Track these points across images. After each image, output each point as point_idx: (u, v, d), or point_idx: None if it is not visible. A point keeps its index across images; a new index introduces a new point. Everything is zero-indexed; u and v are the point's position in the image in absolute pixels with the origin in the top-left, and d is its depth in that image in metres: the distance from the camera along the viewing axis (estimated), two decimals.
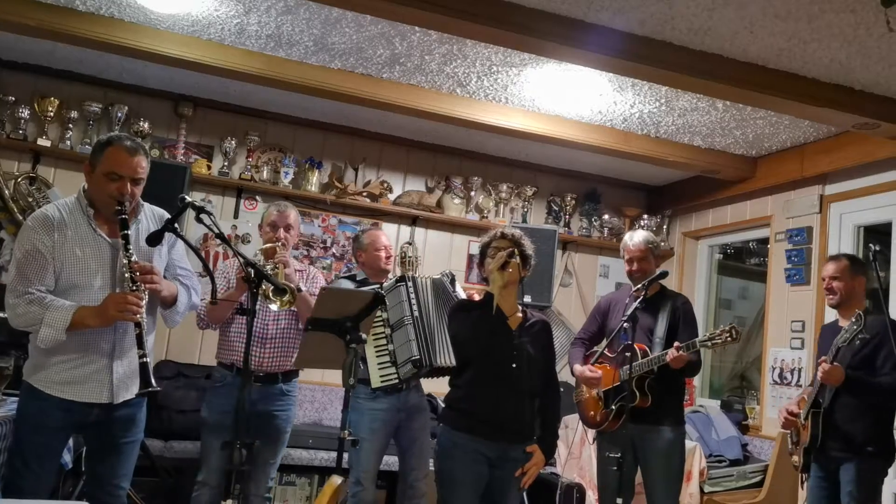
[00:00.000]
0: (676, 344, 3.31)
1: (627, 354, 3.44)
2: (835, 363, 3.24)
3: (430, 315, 3.41)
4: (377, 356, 3.55)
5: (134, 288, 2.51)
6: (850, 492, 3.22)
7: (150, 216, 2.79)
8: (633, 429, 3.37)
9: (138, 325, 2.48)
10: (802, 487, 3.55)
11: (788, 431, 3.57)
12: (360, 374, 3.74)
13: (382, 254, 3.87)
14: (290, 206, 3.68)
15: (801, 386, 4.60)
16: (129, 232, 2.56)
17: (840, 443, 3.29)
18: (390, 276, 3.94)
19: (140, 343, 2.47)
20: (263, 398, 3.43)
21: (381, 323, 3.53)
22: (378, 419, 3.67)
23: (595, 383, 3.59)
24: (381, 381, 3.50)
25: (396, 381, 3.47)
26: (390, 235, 5.46)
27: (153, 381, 2.47)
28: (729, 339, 3.19)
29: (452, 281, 3.64)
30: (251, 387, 3.38)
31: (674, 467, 3.48)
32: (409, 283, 3.48)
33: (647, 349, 3.45)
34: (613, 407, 3.48)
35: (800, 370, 4.64)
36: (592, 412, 3.62)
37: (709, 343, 3.24)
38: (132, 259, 2.53)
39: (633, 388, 3.38)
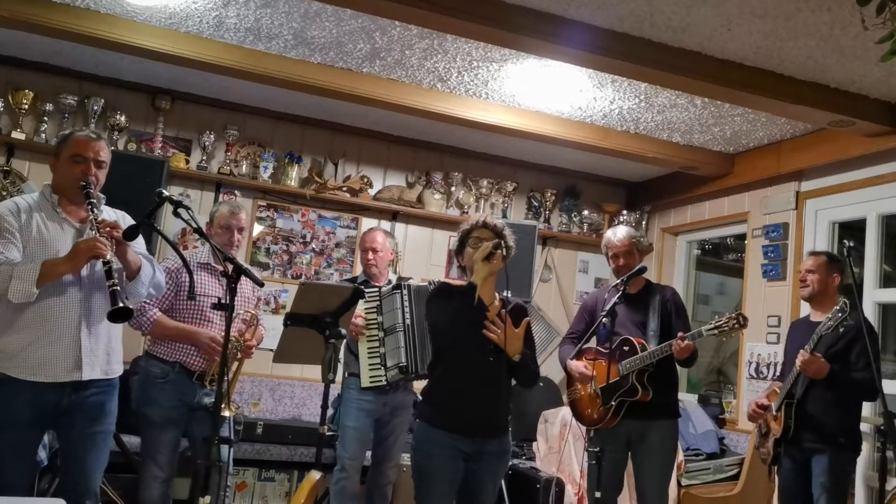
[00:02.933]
0: (680, 334, 3.29)
1: (625, 349, 3.42)
2: (815, 353, 3.28)
3: (421, 323, 3.48)
4: (369, 357, 3.80)
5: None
6: (823, 483, 3.28)
7: (112, 213, 2.85)
8: (628, 424, 3.39)
9: (107, 262, 2.54)
10: (771, 479, 3.62)
11: (757, 424, 3.62)
12: (353, 367, 3.93)
13: (368, 255, 4.01)
14: (241, 205, 3.72)
15: (776, 380, 4.66)
16: (95, 201, 2.66)
17: (813, 434, 3.34)
18: (389, 276, 4.03)
19: (109, 275, 2.52)
20: (206, 394, 3.42)
21: (376, 326, 3.79)
22: (364, 409, 3.85)
23: (589, 379, 3.55)
24: (371, 382, 3.78)
25: (384, 383, 3.75)
26: None
27: (124, 302, 2.52)
28: (736, 325, 3.19)
29: None
30: (197, 384, 3.41)
31: (668, 461, 3.48)
32: (405, 291, 3.74)
33: (645, 343, 3.44)
34: (613, 403, 3.41)
35: (776, 364, 4.70)
36: (589, 410, 3.55)
37: (716, 330, 3.22)
38: (98, 219, 2.61)
39: (633, 381, 3.36)
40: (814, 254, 3.68)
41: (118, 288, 2.51)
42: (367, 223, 5.49)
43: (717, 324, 3.23)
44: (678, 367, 3.58)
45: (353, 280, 4.11)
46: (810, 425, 3.35)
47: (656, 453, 3.43)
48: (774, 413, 3.46)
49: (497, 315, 2.89)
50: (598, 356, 3.55)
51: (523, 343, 2.94)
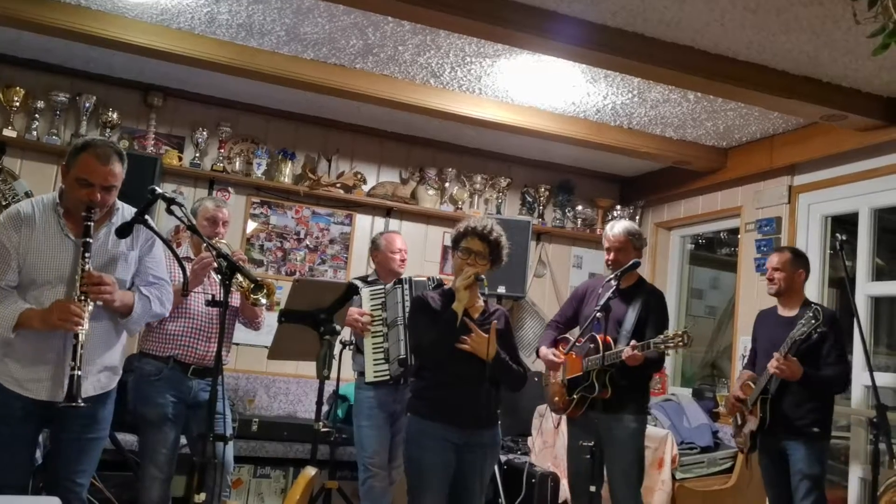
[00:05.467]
0: (633, 343, 3.35)
1: (591, 346, 3.49)
2: (790, 357, 3.36)
3: None
4: (374, 352, 3.82)
5: (82, 298, 2.51)
6: (801, 469, 3.42)
7: (129, 214, 2.77)
8: (597, 417, 3.43)
9: (76, 336, 2.46)
10: (748, 466, 3.79)
11: (733, 416, 3.75)
12: (360, 365, 3.94)
13: (398, 257, 4.05)
14: (223, 200, 3.70)
15: None
16: (91, 240, 2.57)
17: (787, 426, 3.48)
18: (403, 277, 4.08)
19: (74, 355, 2.45)
20: (202, 389, 3.40)
21: (381, 322, 3.83)
22: (375, 406, 3.84)
23: (555, 367, 3.67)
24: (375, 376, 3.80)
25: (388, 377, 3.76)
26: (364, 227, 5.50)
27: (79, 398, 2.43)
28: (681, 343, 3.24)
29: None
30: (195, 381, 3.39)
31: (632, 456, 3.52)
32: (406, 286, 3.78)
33: (612, 341, 3.48)
34: (575, 396, 3.53)
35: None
36: (557, 398, 3.69)
37: (661, 346, 3.27)
38: (86, 269, 2.53)
39: (593, 379, 3.43)
40: (778, 251, 3.79)
41: (78, 373, 2.43)
42: (361, 219, 5.50)
43: (664, 339, 3.27)
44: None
45: (365, 278, 4.17)
46: (785, 418, 3.48)
47: (619, 448, 3.49)
48: (750, 407, 3.58)
49: (472, 319, 3.00)
50: (572, 347, 3.64)
51: (503, 350, 3.05)
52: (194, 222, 2.98)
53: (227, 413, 3.46)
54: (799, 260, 3.67)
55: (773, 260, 3.70)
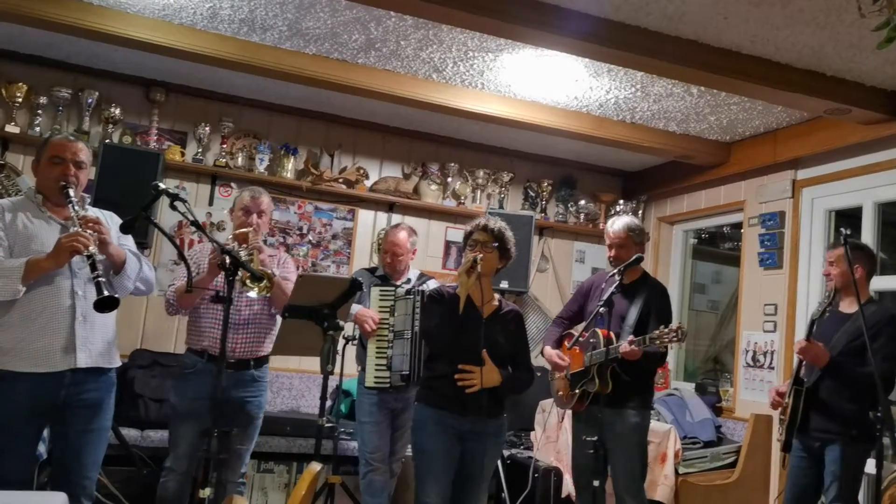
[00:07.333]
0: (630, 338, 3.33)
1: (592, 341, 3.49)
2: (812, 340, 3.30)
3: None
4: (377, 357, 3.79)
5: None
6: (834, 472, 3.28)
7: (98, 212, 2.85)
8: (601, 412, 3.41)
9: (90, 255, 2.54)
10: (784, 466, 3.62)
11: (777, 411, 3.63)
12: (363, 361, 3.91)
13: (387, 257, 4.00)
14: (264, 191, 3.61)
15: (773, 368, 4.68)
16: (76, 198, 2.69)
17: (822, 422, 3.35)
18: (409, 273, 4.06)
19: (93, 267, 2.54)
20: (235, 384, 3.34)
21: (387, 327, 3.77)
22: (375, 403, 3.84)
23: (559, 369, 3.68)
24: (375, 382, 3.77)
25: (388, 386, 3.74)
26: (366, 223, 5.50)
27: (109, 291, 2.53)
28: (675, 338, 3.18)
29: None
30: (224, 374, 3.37)
31: (634, 451, 3.51)
32: (417, 298, 3.70)
33: (614, 336, 3.46)
34: (577, 391, 3.53)
35: (772, 353, 4.72)
36: (561, 392, 3.71)
37: (656, 341, 3.23)
38: (79, 214, 2.63)
39: (594, 374, 3.43)
40: (834, 245, 3.56)
41: (102, 279, 2.52)
42: (363, 214, 5.50)
43: (659, 334, 3.22)
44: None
45: (373, 271, 4.13)
46: (820, 413, 3.36)
47: (622, 443, 3.47)
48: (786, 401, 3.48)
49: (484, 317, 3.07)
50: (576, 342, 3.63)
51: (517, 348, 3.18)
52: (196, 218, 2.97)
53: (260, 414, 3.49)
54: (855, 253, 3.37)
55: (829, 255, 3.55)
